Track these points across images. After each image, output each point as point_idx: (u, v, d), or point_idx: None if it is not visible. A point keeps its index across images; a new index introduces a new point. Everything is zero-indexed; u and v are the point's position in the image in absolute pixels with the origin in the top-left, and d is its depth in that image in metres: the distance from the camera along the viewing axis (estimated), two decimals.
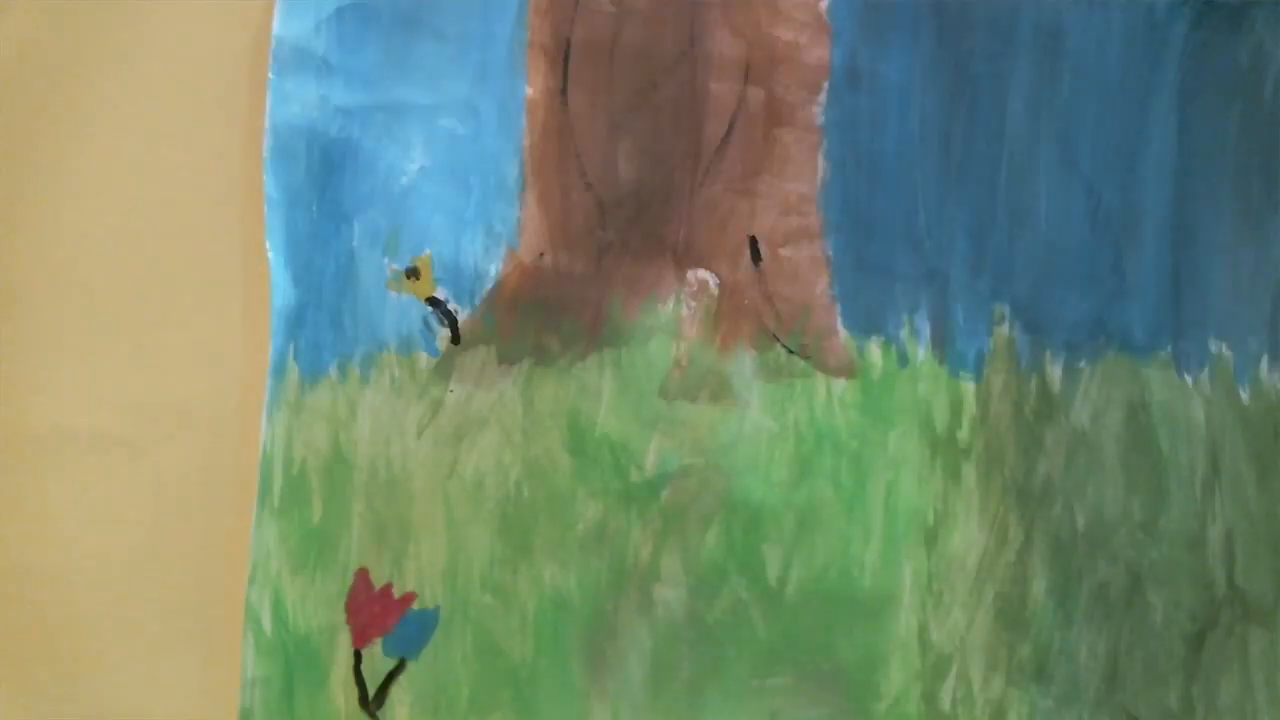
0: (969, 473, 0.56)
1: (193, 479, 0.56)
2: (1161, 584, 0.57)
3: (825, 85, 0.56)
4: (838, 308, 0.56)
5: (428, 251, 0.55)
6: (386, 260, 0.55)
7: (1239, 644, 0.57)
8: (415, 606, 0.56)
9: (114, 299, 0.56)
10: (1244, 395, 0.57)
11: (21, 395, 0.56)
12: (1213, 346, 0.57)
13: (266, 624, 0.55)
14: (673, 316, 0.56)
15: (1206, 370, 0.57)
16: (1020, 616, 0.56)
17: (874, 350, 0.56)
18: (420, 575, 0.56)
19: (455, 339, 0.55)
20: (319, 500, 0.55)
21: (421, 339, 0.55)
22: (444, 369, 0.55)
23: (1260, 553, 0.57)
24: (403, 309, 0.55)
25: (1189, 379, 0.57)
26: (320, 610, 0.55)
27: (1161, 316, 0.56)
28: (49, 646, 0.57)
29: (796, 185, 0.56)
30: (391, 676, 0.56)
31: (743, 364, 0.56)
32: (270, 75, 0.54)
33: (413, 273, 0.55)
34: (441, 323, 0.55)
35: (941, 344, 0.56)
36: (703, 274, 0.56)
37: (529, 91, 0.55)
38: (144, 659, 0.57)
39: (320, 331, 0.55)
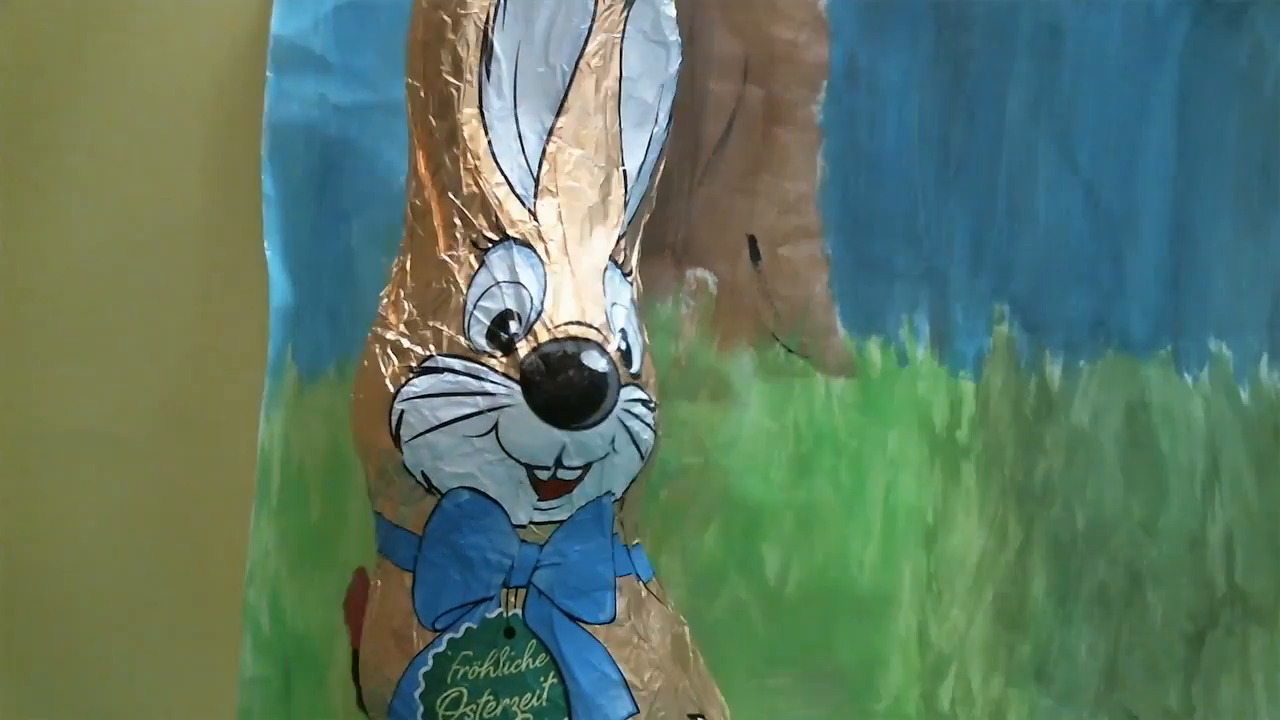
0: (968, 472, 0.56)
1: (190, 478, 0.56)
2: (1161, 584, 0.56)
3: (824, 84, 0.55)
4: (837, 307, 0.56)
5: None
6: (385, 259, 0.55)
7: (1239, 644, 0.57)
8: None
9: (112, 298, 0.56)
10: (1244, 394, 0.57)
11: (20, 395, 0.56)
12: (1212, 345, 0.57)
13: (265, 624, 0.55)
14: (672, 315, 0.55)
15: (1206, 369, 0.57)
16: (1020, 616, 0.56)
17: (873, 349, 0.56)
18: None
19: None
20: (317, 499, 0.55)
21: None
22: None
23: (1260, 552, 0.57)
24: None
25: (1189, 378, 0.57)
26: (319, 610, 0.55)
27: (1161, 315, 0.56)
28: (48, 645, 0.57)
29: (795, 184, 0.56)
30: None
31: (742, 363, 0.55)
32: (268, 74, 0.54)
33: None
34: None
35: (941, 343, 0.56)
36: (702, 273, 0.56)
37: None
38: (142, 659, 0.57)
39: (318, 330, 0.55)
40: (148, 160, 0.56)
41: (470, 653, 0.42)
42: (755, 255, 0.56)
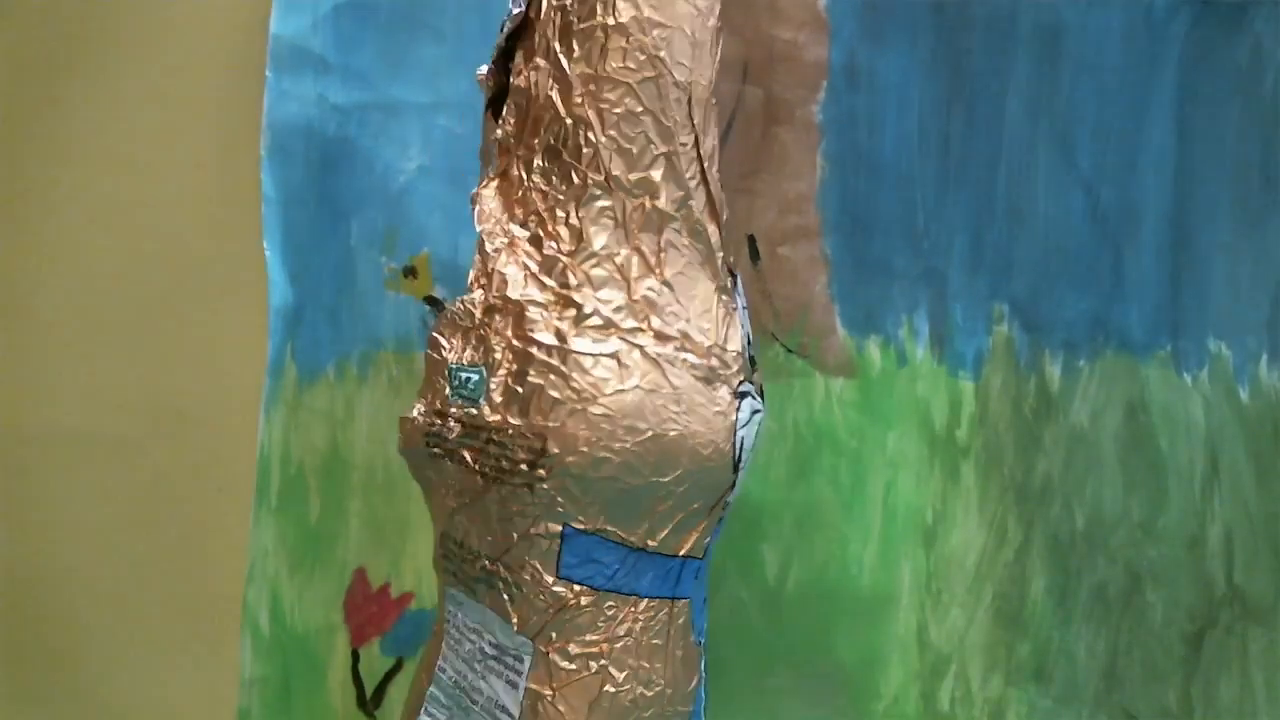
0: (968, 472, 0.56)
1: (190, 478, 0.56)
2: (1160, 583, 0.56)
3: (824, 84, 0.55)
4: (836, 307, 0.56)
5: (425, 250, 0.55)
6: (384, 259, 0.55)
7: (1238, 643, 0.57)
8: (413, 606, 0.56)
9: (111, 298, 0.56)
10: (1243, 394, 0.57)
11: (19, 395, 0.56)
12: (1212, 345, 0.57)
13: (264, 624, 0.55)
14: None
15: (1205, 369, 0.56)
16: (1019, 616, 0.56)
17: (873, 349, 0.56)
18: (418, 574, 0.56)
19: None
20: (317, 499, 0.55)
21: (419, 338, 0.55)
22: None
23: (1259, 552, 0.57)
24: (400, 308, 0.55)
25: (1188, 378, 0.56)
26: (318, 610, 0.55)
27: (1160, 315, 0.56)
28: (47, 645, 0.57)
29: (795, 184, 0.56)
30: (389, 676, 0.56)
31: None
32: (268, 73, 0.54)
33: (410, 271, 0.55)
34: None
35: (940, 343, 0.56)
36: None
37: None
38: (142, 659, 0.56)
39: (318, 330, 0.55)
40: (147, 160, 0.56)
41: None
42: (755, 255, 0.56)
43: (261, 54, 0.54)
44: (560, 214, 0.41)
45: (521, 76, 0.43)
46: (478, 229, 0.42)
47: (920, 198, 0.56)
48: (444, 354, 0.42)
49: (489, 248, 0.42)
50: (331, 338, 0.55)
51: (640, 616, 0.41)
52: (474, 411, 0.41)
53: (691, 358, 0.40)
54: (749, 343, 0.43)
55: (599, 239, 0.41)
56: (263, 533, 0.54)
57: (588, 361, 0.40)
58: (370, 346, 0.55)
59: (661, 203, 0.41)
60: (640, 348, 0.40)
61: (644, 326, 0.40)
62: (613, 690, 0.41)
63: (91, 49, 0.55)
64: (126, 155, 0.55)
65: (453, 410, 0.41)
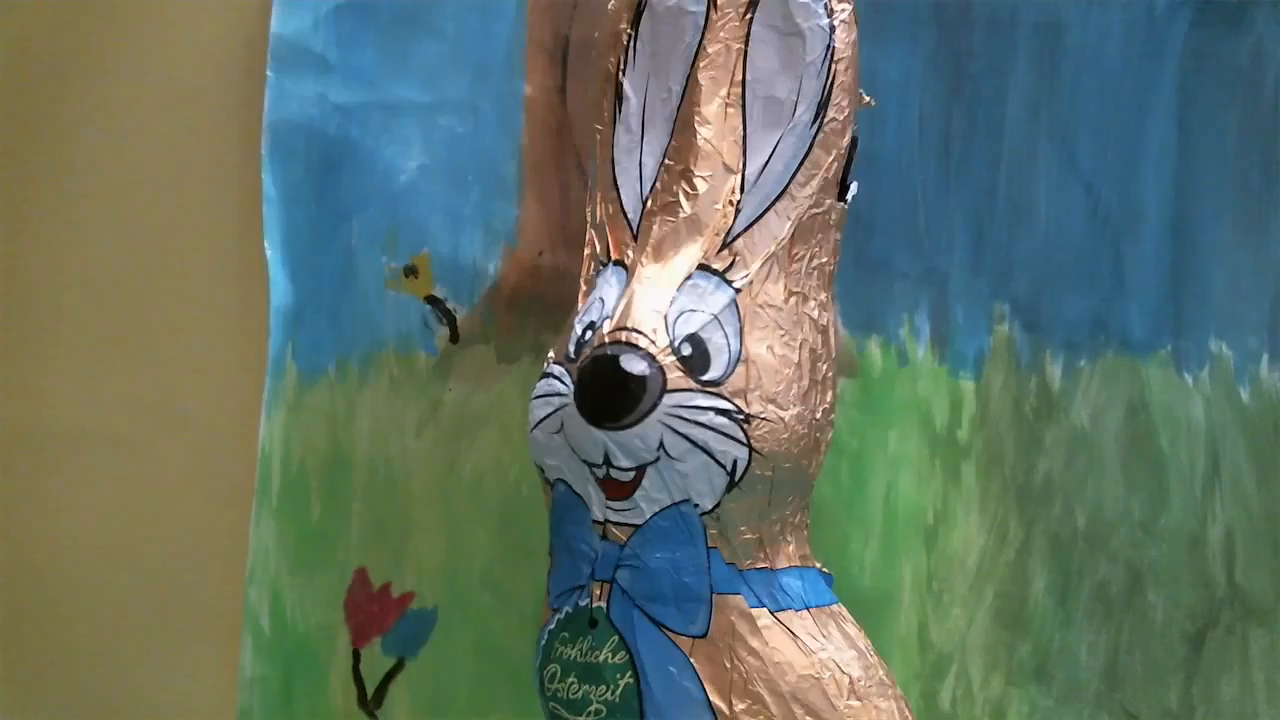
0: (969, 472, 0.56)
1: (191, 478, 0.56)
2: (1161, 583, 0.56)
3: None
4: (837, 306, 0.55)
5: (426, 250, 0.55)
6: (385, 259, 0.55)
7: (1239, 643, 0.56)
8: (414, 605, 0.56)
9: (112, 298, 0.56)
10: (1244, 394, 0.56)
11: (20, 395, 0.56)
12: (1213, 345, 0.56)
13: (265, 623, 0.55)
14: None
15: (1206, 369, 0.56)
16: (1020, 616, 0.56)
17: (874, 349, 0.56)
18: (419, 574, 0.56)
19: (454, 337, 0.55)
20: (318, 499, 0.55)
21: (420, 338, 0.55)
22: (443, 368, 0.55)
23: (1260, 552, 0.56)
24: (401, 307, 0.55)
25: (1189, 378, 0.56)
26: (319, 609, 0.55)
27: (1161, 315, 0.56)
28: (48, 645, 0.57)
29: None
30: (390, 676, 0.56)
31: None
32: (269, 73, 0.54)
33: (411, 271, 0.55)
34: (440, 321, 0.55)
35: (941, 343, 0.56)
36: None
37: (528, 90, 0.55)
38: (143, 658, 0.56)
39: (319, 330, 0.55)
40: (148, 160, 0.56)
41: (566, 634, 0.44)
42: None
43: (262, 53, 0.54)
44: None
45: None
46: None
47: (921, 197, 0.56)
48: None
49: None
50: (332, 337, 0.55)
51: None
52: None
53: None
54: (593, 329, 0.45)
55: None
56: (263, 532, 0.54)
57: None
58: (371, 346, 0.55)
59: None
60: None
61: None
62: None
63: (91, 48, 0.55)
64: (127, 155, 0.55)
65: None
